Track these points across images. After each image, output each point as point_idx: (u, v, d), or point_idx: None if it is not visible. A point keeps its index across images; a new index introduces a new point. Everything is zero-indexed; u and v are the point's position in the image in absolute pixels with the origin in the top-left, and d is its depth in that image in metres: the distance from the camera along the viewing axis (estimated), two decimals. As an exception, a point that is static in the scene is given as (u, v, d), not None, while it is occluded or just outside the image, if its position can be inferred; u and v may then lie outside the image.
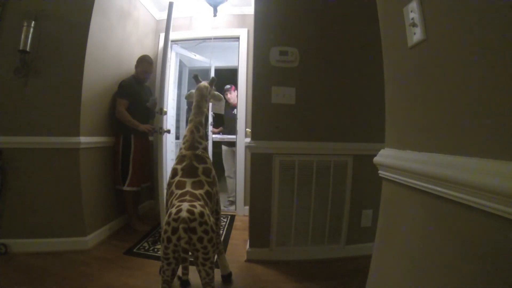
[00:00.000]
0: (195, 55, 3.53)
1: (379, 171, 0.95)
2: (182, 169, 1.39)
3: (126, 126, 2.39)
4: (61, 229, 2.00)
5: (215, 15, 2.83)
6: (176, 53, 3.34)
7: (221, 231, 2.40)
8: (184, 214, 1.08)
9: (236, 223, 2.81)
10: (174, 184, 1.34)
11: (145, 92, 2.61)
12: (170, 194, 1.33)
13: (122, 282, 1.63)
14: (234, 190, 3.17)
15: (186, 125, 1.63)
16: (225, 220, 2.85)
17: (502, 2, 0.50)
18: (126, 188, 2.42)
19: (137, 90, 2.48)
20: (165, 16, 2.07)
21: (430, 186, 0.67)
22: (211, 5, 2.78)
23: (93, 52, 2.07)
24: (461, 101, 0.61)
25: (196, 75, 1.78)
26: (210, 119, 3.30)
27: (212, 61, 3.57)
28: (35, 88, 1.95)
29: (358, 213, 2.01)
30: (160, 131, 2.00)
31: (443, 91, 0.67)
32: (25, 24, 1.87)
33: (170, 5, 2.03)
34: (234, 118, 3.24)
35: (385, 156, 0.92)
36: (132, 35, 2.71)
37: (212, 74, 3.74)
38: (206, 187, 1.36)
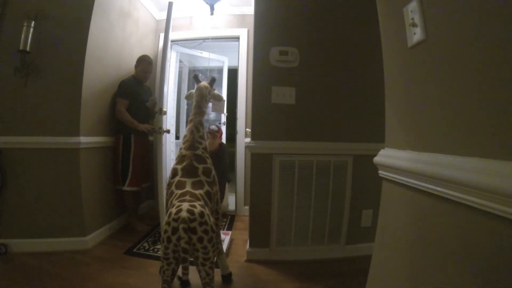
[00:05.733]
0: (201, 52, 3.51)
1: (379, 171, 0.95)
2: (182, 169, 1.39)
3: (126, 126, 2.39)
4: (61, 229, 2.00)
5: (212, 14, 2.83)
6: (177, 53, 3.34)
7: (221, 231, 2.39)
8: (184, 214, 1.08)
9: (236, 223, 2.81)
10: (174, 184, 1.34)
11: (145, 92, 2.61)
12: (170, 194, 1.33)
13: (122, 282, 1.63)
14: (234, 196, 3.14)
15: (186, 125, 1.62)
16: (225, 220, 2.85)
17: (502, 1, 0.50)
18: (126, 188, 2.42)
19: (137, 90, 2.48)
20: (165, 16, 2.06)
21: (430, 186, 0.67)
22: (207, 3, 2.78)
23: (93, 52, 2.07)
24: (460, 101, 0.61)
25: (196, 75, 1.78)
26: None
27: (226, 61, 3.58)
28: (35, 88, 1.95)
29: (358, 213, 2.01)
30: (160, 131, 2.00)
31: (442, 91, 0.67)
32: (25, 24, 1.86)
33: (170, 5, 2.03)
34: None
35: (385, 156, 0.92)
36: (132, 35, 2.71)
37: (225, 73, 3.74)
38: (206, 187, 1.36)
